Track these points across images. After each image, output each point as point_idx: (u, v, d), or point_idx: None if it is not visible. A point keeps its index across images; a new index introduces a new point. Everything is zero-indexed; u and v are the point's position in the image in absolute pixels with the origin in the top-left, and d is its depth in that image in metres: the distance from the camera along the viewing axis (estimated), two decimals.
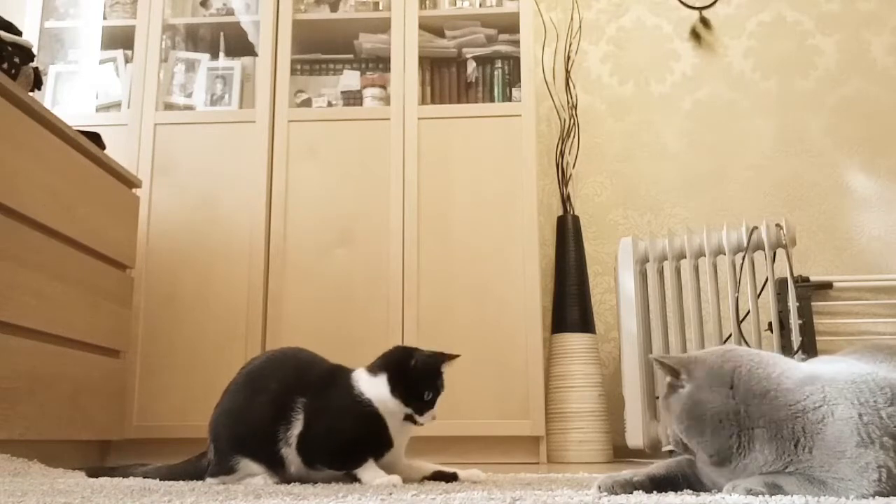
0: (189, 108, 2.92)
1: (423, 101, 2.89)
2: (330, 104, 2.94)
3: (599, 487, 1.04)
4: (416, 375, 1.30)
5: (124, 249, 2.35)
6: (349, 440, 1.28)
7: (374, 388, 1.30)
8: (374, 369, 1.33)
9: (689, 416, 1.00)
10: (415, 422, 1.30)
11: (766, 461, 0.96)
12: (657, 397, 2.49)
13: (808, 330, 2.48)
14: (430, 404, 1.30)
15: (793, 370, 1.00)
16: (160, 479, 1.38)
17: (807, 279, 2.74)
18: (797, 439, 0.94)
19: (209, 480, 1.34)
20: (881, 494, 0.90)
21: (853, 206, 3.08)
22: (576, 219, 2.99)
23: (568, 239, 2.94)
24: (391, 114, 2.78)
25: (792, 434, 0.94)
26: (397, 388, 1.29)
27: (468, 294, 2.64)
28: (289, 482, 1.29)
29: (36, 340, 1.90)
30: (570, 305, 2.83)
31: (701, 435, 0.98)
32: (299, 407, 1.29)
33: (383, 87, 2.90)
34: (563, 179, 3.11)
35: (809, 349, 2.43)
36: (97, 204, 2.19)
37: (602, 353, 3.00)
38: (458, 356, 1.34)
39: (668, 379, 1.05)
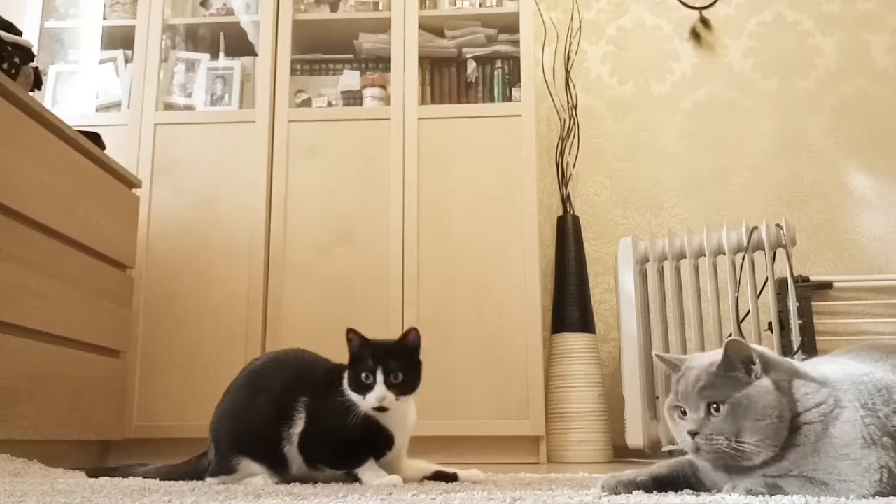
0: (189, 108, 2.92)
1: (423, 101, 2.89)
2: (330, 104, 2.94)
3: (603, 487, 1.04)
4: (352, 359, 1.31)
5: (124, 249, 2.35)
6: (350, 440, 1.28)
7: None
8: None
9: (760, 409, 0.96)
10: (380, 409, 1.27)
11: (780, 464, 0.96)
12: (657, 397, 2.49)
13: (808, 330, 2.49)
14: (370, 387, 1.27)
15: (808, 377, 1.00)
16: (160, 479, 1.38)
17: (807, 279, 2.74)
18: (808, 443, 0.95)
19: (209, 480, 1.34)
20: (882, 494, 0.90)
21: (853, 206, 3.08)
22: (576, 219, 2.99)
23: (568, 239, 2.94)
24: (391, 114, 2.78)
25: (805, 439, 0.95)
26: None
27: (468, 294, 2.64)
28: (290, 482, 1.29)
29: (36, 340, 1.90)
30: (570, 305, 2.83)
31: (756, 424, 0.95)
32: (301, 406, 1.30)
33: (383, 87, 2.90)
34: (563, 179, 3.11)
35: (809, 349, 2.43)
36: (97, 204, 2.19)
37: (602, 353, 3.00)
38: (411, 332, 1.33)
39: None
